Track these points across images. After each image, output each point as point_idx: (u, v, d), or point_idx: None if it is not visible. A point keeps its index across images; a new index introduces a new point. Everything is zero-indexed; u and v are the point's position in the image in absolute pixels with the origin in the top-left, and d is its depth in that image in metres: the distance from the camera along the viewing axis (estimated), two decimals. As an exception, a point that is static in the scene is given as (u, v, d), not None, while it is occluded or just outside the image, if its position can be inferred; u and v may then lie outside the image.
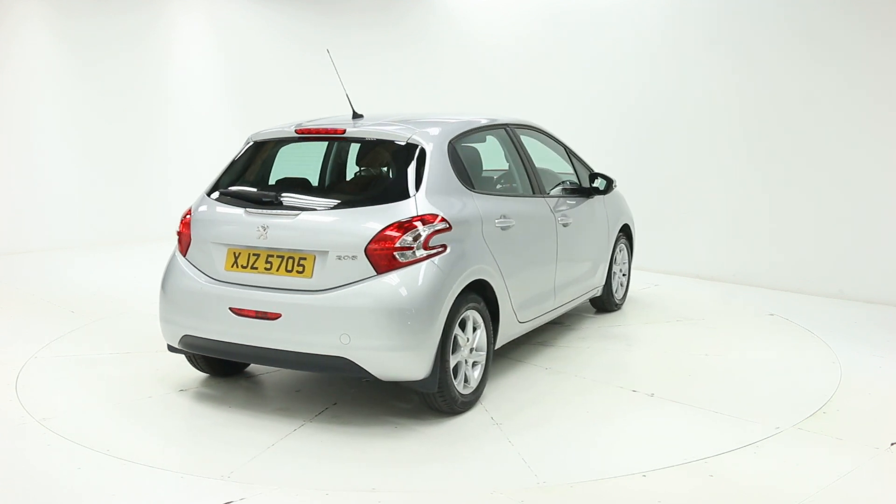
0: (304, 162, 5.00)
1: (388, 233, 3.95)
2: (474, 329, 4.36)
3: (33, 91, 9.34)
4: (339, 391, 4.65)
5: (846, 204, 7.11)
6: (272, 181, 4.72)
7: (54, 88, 9.51)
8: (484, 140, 5.14)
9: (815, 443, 3.95)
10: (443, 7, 10.44)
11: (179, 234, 4.54)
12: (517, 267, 4.71)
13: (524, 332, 5.08)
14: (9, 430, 4.08)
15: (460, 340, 4.20)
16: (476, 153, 4.95)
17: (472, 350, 4.32)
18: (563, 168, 5.94)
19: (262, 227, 4.16)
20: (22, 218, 9.28)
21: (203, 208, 4.51)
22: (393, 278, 3.92)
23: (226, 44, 11.03)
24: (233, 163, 4.74)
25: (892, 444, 3.92)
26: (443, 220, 4.10)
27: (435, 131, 4.50)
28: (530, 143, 5.56)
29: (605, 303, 6.34)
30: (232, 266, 4.24)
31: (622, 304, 6.63)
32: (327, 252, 4.00)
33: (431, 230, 4.03)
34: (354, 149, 4.83)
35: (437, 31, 10.50)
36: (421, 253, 3.98)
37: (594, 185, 5.83)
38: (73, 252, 9.22)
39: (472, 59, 10.04)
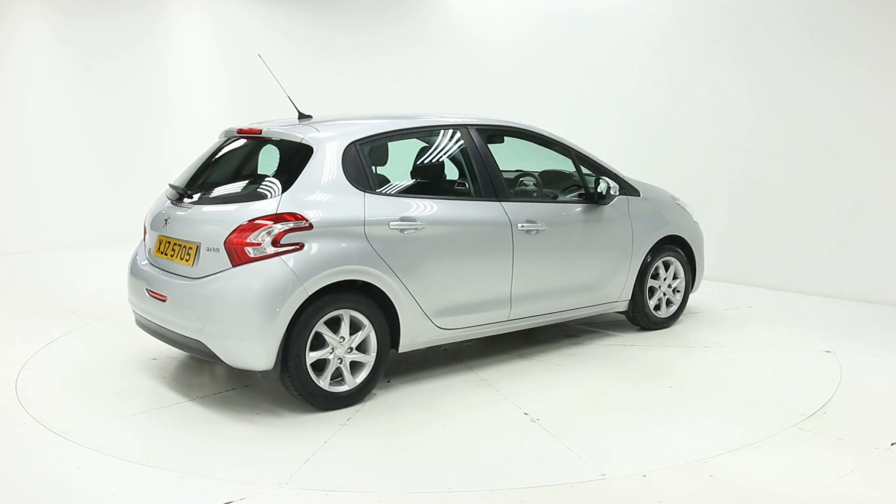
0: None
1: (242, 228, 4.14)
2: (356, 329, 4.35)
3: (33, 91, 9.34)
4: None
5: (846, 204, 7.11)
6: (215, 176, 4.89)
7: (54, 89, 9.50)
8: (421, 141, 5.16)
9: (815, 443, 3.95)
10: (443, 8, 10.44)
11: (145, 222, 5.00)
12: (428, 271, 4.56)
13: (458, 340, 4.90)
14: (9, 430, 4.08)
15: (330, 339, 4.23)
16: (421, 154, 5.05)
17: (351, 349, 4.33)
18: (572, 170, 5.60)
19: (167, 218, 4.61)
20: (22, 218, 9.28)
21: (156, 199, 4.98)
22: (240, 272, 4.11)
23: (226, 44, 11.03)
24: (201, 158, 5.00)
25: (892, 444, 3.92)
26: (301, 218, 4.17)
27: (339, 133, 4.56)
28: (522, 146, 5.47)
29: (636, 320, 5.88)
30: (157, 251, 4.66)
31: (669, 323, 6.01)
32: (200, 244, 4.30)
33: (284, 228, 4.13)
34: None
35: (437, 32, 10.50)
36: (270, 249, 4.10)
37: (598, 189, 5.42)
38: (73, 252, 9.23)
39: (472, 60, 10.04)
